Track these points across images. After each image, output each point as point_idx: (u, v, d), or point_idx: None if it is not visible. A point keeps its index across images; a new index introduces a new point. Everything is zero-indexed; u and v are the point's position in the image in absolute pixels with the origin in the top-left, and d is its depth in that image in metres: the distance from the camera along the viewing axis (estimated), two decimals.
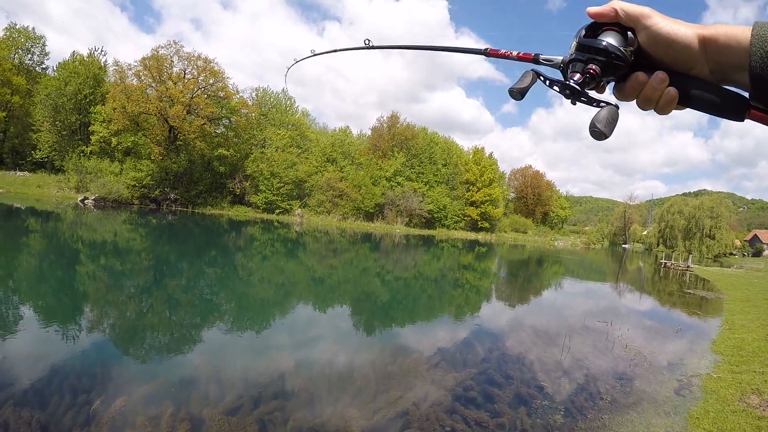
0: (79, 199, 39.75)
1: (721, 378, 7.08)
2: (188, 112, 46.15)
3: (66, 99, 46.08)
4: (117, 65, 45.99)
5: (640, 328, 11.79)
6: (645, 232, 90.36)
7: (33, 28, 54.67)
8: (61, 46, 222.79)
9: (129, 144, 44.88)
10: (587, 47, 0.82)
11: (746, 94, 0.76)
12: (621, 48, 0.80)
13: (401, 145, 64.83)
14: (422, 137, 67.51)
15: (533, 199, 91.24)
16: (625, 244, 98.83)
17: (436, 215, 64.51)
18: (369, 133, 70.13)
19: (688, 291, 21.33)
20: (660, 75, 0.78)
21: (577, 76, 0.82)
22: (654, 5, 0.84)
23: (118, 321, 8.05)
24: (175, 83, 45.85)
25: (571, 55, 0.85)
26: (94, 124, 45.77)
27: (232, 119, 51.71)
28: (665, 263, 40.13)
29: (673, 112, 0.83)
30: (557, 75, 0.87)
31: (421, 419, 5.01)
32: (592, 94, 0.84)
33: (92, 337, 6.84)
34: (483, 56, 1.04)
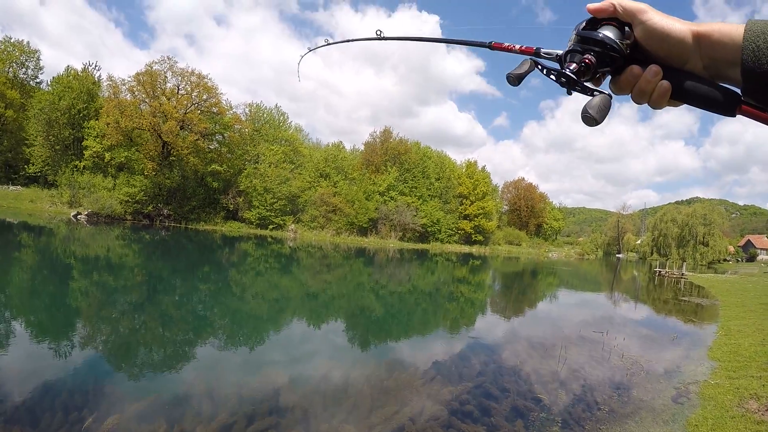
0: (72, 214, 39.51)
1: (718, 384, 7.07)
2: (182, 128, 46.14)
3: (60, 113, 45.95)
4: (111, 80, 45.96)
5: (636, 337, 11.78)
6: (639, 241, 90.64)
7: (28, 42, 54.63)
8: (55, 61, 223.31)
9: (122, 159, 44.71)
10: (585, 39, 0.85)
11: (738, 91, 0.78)
12: (617, 41, 0.82)
13: (394, 159, 65.02)
14: (415, 151, 67.76)
15: (526, 211, 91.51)
16: (619, 253, 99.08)
17: (429, 229, 64.50)
18: (362, 148, 70.33)
19: (683, 298, 21.38)
20: (654, 68, 0.81)
21: (573, 65, 0.85)
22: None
23: (110, 337, 7.97)
24: (168, 99, 45.86)
25: (570, 46, 0.88)
26: (87, 139, 45.59)
27: (225, 135, 51.74)
28: (659, 272, 40.26)
29: (668, 109, 0.85)
30: (557, 67, 0.90)
31: None
32: (589, 85, 0.86)
33: (85, 354, 6.76)
34: (487, 49, 1.06)
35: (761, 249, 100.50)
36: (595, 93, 0.83)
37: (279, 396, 5.77)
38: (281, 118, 62.51)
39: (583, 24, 0.87)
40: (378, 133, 68.62)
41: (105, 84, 48.17)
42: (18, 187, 46.50)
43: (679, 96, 0.81)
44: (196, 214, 48.19)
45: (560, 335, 11.31)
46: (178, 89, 47.34)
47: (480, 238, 71.63)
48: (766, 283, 28.64)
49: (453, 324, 12.88)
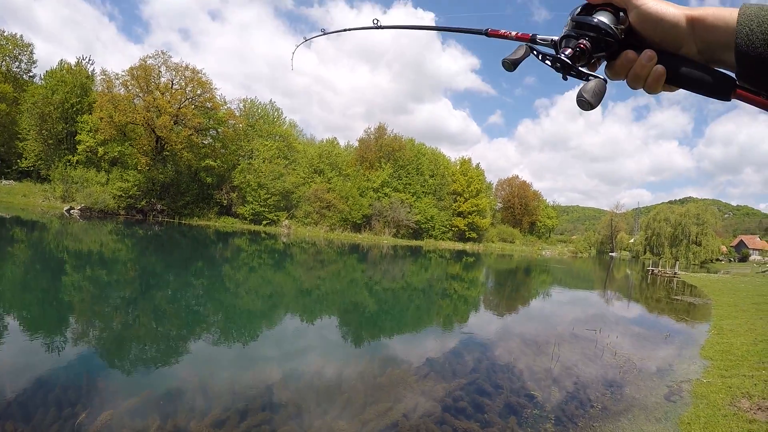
0: (65, 208, 39.31)
1: (710, 383, 7.11)
2: (175, 123, 46.00)
3: (53, 108, 45.73)
4: (104, 74, 45.80)
5: (629, 335, 11.84)
6: (632, 240, 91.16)
7: (21, 36, 54.23)
8: (48, 55, 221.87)
9: (115, 154, 44.57)
10: (580, 24, 0.85)
11: (733, 75, 0.78)
12: (612, 26, 0.83)
13: (388, 156, 65.15)
14: (409, 148, 67.96)
15: (520, 209, 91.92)
16: (612, 252, 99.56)
17: (423, 226, 64.72)
18: (356, 144, 70.55)
19: (676, 297, 21.49)
20: (648, 53, 0.81)
21: (568, 50, 0.85)
22: None
23: (103, 332, 7.93)
24: (162, 93, 45.68)
25: (565, 32, 0.88)
26: (80, 134, 45.43)
27: (219, 130, 51.64)
28: (652, 270, 40.47)
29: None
30: (552, 53, 0.90)
31: (411, 430, 4.96)
32: (584, 70, 0.86)
33: (78, 349, 6.72)
34: (483, 36, 1.06)
35: (753, 249, 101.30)
36: (590, 77, 0.83)
37: (272, 392, 5.76)
38: (275, 113, 62.53)
39: (579, 9, 0.87)
40: (372, 129, 68.87)
41: (98, 78, 48.03)
42: (11, 181, 46.23)
43: (674, 81, 0.82)
44: (189, 209, 48.10)
45: (553, 333, 11.36)
46: (172, 84, 47.18)
47: (474, 235, 71.93)
48: (759, 283, 28.83)
49: (446, 321, 12.89)
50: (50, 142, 46.43)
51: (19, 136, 47.37)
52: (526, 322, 13.47)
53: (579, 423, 5.59)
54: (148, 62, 45.70)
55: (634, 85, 0.84)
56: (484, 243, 73.02)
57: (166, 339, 8.18)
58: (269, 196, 51.07)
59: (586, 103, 0.80)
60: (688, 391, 6.78)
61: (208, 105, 49.01)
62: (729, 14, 0.75)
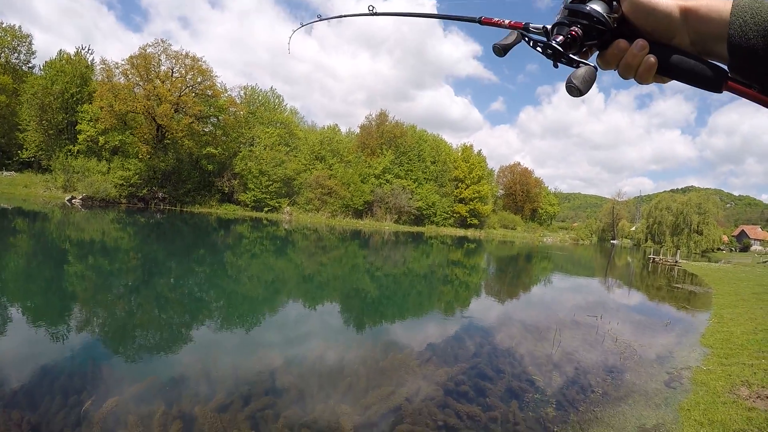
0: (66, 198, 39.29)
1: (710, 370, 7.14)
2: (176, 111, 45.91)
3: (53, 98, 45.54)
4: (104, 64, 45.68)
5: (630, 322, 11.88)
6: (633, 228, 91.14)
7: (19, 27, 53.81)
8: (47, 45, 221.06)
9: (116, 143, 44.49)
10: (572, 12, 0.85)
11: (725, 67, 0.78)
12: (604, 14, 0.82)
13: (390, 142, 65.04)
14: (411, 135, 67.83)
15: (522, 195, 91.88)
16: (614, 239, 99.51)
17: (425, 212, 64.77)
18: (358, 131, 70.48)
19: (677, 285, 21.54)
20: (640, 42, 0.80)
21: (560, 38, 0.85)
22: None
23: (107, 320, 7.98)
24: (162, 82, 45.54)
25: (557, 19, 0.88)
26: (81, 123, 45.28)
27: (220, 117, 51.49)
28: (653, 258, 40.54)
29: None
30: (543, 40, 0.90)
31: (414, 414, 5.00)
32: (575, 58, 0.86)
33: (82, 337, 6.77)
34: (477, 24, 1.06)
35: (755, 239, 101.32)
36: (581, 65, 0.83)
37: (275, 377, 5.80)
38: (276, 100, 62.30)
39: None
40: (374, 116, 68.77)
41: (98, 68, 47.84)
42: (12, 172, 46.19)
43: (665, 71, 0.81)
44: (191, 196, 48.15)
45: (554, 318, 11.39)
46: (173, 72, 47.00)
47: (475, 221, 72.02)
48: (759, 273, 28.80)
49: (448, 306, 12.95)
50: (51, 132, 46.29)
51: (19, 127, 47.21)
52: (527, 308, 13.52)
53: (580, 408, 5.63)
54: (147, 51, 45.54)
55: (625, 75, 0.83)
56: (485, 229, 73.10)
57: (170, 326, 8.23)
58: (270, 183, 51.10)
59: (575, 89, 0.80)
60: (688, 378, 6.81)
61: (209, 93, 48.88)
62: (722, 5, 0.75)
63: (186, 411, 4.59)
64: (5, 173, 45.58)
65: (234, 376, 5.70)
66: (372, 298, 13.22)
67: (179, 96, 45.64)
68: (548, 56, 0.86)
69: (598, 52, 0.87)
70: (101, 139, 44.07)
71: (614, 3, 0.83)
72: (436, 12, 1.27)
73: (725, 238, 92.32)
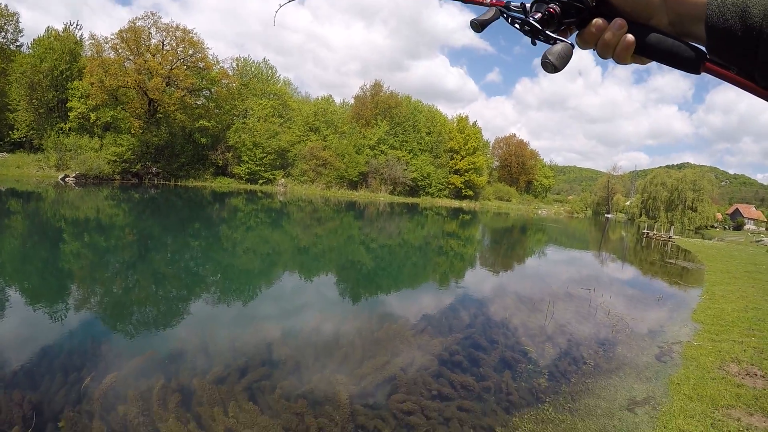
0: (59, 177, 38.90)
1: (701, 346, 7.25)
2: (168, 84, 45.26)
3: (42, 76, 44.58)
4: (93, 39, 44.65)
5: (622, 295, 12.01)
6: (628, 203, 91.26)
7: (6, 5, 52.33)
8: (35, 23, 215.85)
9: (108, 119, 43.87)
10: None
11: (704, 48, 0.77)
12: None
13: (385, 113, 64.58)
14: (406, 105, 67.30)
15: (517, 167, 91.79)
16: (608, 213, 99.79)
17: (420, 183, 64.80)
18: (352, 101, 69.88)
19: (670, 261, 21.71)
20: (618, 21, 0.80)
21: (538, 15, 0.85)
22: None
23: (104, 297, 8.01)
24: (153, 55, 44.72)
25: None
26: (71, 101, 44.49)
27: (212, 90, 50.80)
28: (647, 233, 40.72)
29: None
30: (522, 17, 0.90)
31: (409, 383, 5.09)
32: (552, 35, 0.85)
33: (80, 315, 6.80)
34: (459, 1, 1.05)
35: (749, 218, 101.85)
36: (558, 42, 0.82)
37: (271, 348, 5.87)
38: (269, 72, 61.44)
39: None
40: (368, 86, 68.21)
41: (87, 43, 46.57)
42: (3, 153, 45.45)
43: (643, 51, 0.81)
44: (185, 170, 47.84)
45: (548, 291, 11.52)
46: (163, 45, 46.15)
47: (470, 193, 72.18)
48: (752, 252, 29.06)
49: (442, 278, 13.05)
50: (41, 111, 45.47)
51: (9, 107, 46.29)
52: (521, 279, 13.65)
53: (572, 379, 5.74)
54: (137, 24, 44.52)
55: (603, 54, 0.83)
56: (480, 201, 73.27)
57: (167, 301, 8.28)
58: (265, 155, 50.87)
59: (550, 65, 0.79)
60: (678, 353, 6.92)
61: (201, 65, 48.10)
62: None
63: (184, 384, 4.66)
64: None
65: (231, 349, 5.77)
66: (367, 269, 13.30)
67: (170, 69, 44.92)
68: (526, 33, 0.86)
69: (577, 31, 0.87)
70: (93, 115, 43.42)
71: None
72: None
73: (719, 216, 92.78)
